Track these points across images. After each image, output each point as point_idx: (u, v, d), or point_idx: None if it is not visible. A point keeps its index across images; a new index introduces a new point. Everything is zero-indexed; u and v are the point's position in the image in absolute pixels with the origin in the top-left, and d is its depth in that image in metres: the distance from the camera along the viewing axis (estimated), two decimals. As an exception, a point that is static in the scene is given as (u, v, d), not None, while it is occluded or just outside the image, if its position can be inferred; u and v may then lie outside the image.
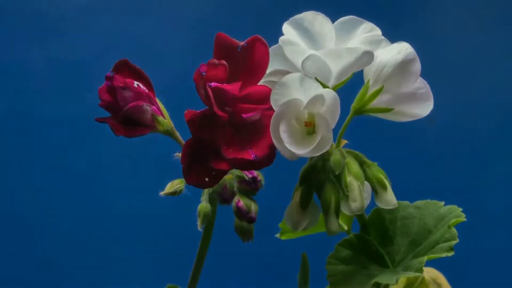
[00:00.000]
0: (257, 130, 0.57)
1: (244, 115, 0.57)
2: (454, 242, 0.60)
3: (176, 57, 1.27)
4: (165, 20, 1.43)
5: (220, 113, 0.56)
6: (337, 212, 0.58)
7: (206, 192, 0.66)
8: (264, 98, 0.57)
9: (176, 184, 0.64)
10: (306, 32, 0.58)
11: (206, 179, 0.57)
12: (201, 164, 0.57)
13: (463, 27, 1.41)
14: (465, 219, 0.61)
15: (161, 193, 0.64)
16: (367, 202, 0.59)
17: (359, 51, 0.55)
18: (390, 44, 0.59)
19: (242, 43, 0.59)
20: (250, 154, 0.56)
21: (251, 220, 0.64)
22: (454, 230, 0.60)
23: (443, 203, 0.65)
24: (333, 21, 0.60)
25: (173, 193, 0.64)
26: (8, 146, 1.42)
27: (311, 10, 0.60)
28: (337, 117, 0.54)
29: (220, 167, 0.56)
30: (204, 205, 0.65)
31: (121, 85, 0.60)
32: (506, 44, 1.41)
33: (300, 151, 0.54)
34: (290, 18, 0.59)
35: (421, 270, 0.58)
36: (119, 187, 1.40)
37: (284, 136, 0.54)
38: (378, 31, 0.58)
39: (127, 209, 1.39)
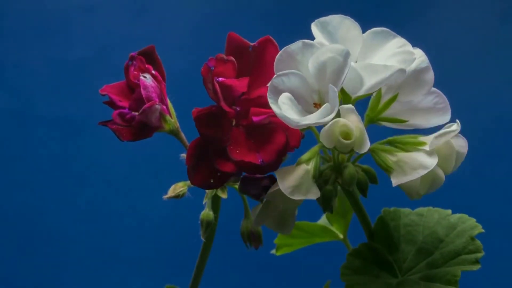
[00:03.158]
0: (266, 134, 0.56)
1: (254, 119, 0.56)
2: (480, 255, 0.58)
3: (178, 57, 1.26)
4: (166, 19, 1.43)
5: (227, 108, 0.55)
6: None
7: (209, 197, 0.64)
8: None
9: (179, 188, 0.63)
10: (330, 36, 0.56)
11: (211, 181, 0.56)
12: (206, 165, 0.56)
13: (464, 27, 1.40)
14: (483, 230, 0.60)
15: (164, 197, 0.63)
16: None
17: (394, 69, 0.53)
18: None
19: (253, 44, 0.58)
20: (257, 158, 0.55)
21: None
22: (478, 242, 0.59)
23: (450, 211, 0.63)
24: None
25: (176, 197, 0.63)
26: (8, 145, 1.41)
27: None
28: (343, 75, 0.52)
29: (225, 169, 0.55)
30: (206, 212, 0.64)
31: (141, 71, 0.59)
32: (504, 43, 1.40)
33: (305, 121, 0.52)
34: (316, 20, 0.57)
35: (456, 284, 0.57)
36: (119, 186, 1.39)
37: (284, 107, 0.52)
38: (409, 47, 0.56)
39: (127, 209, 1.38)
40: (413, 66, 0.56)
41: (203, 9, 1.44)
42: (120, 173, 1.40)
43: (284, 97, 0.52)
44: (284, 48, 0.54)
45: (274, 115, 0.56)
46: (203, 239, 0.64)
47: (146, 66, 0.60)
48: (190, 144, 0.56)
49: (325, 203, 0.57)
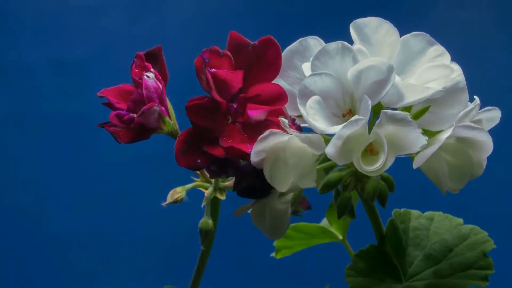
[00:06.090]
0: (260, 130, 0.55)
1: (250, 112, 0.55)
2: (490, 272, 0.57)
3: (179, 58, 1.24)
4: (166, 20, 1.43)
5: (218, 98, 0.55)
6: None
7: (208, 199, 0.63)
8: (275, 97, 0.55)
9: (177, 193, 0.62)
10: (366, 38, 0.54)
11: (198, 161, 0.55)
12: (195, 150, 0.55)
13: (463, 28, 1.39)
14: (494, 246, 0.58)
15: (164, 204, 0.62)
16: None
17: (435, 90, 0.52)
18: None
19: (254, 42, 0.57)
20: (248, 148, 0.54)
21: None
22: (490, 260, 0.58)
23: (461, 220, 0.61)
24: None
25: (175, 202, 0.62)
26: (9, 144, 1.40)
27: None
28: (385, 91, 0.50)
29: (213, 152, 0.54)
30: (205, 221, 0.63)
31: (141, 69, 0.58)
32: (503, 43, 1.39)
33: (330, 131, 0.49)
34: (354, 21, 0.55)
35: None
36: (119, 186, 1.39)
37: (312, 112, 0.50)
38: (447, 58, 0.54)
39: (127, 209, 1.38)
40: (449, 84, 0.54)
41: (204, 10, 1.43)
42: (120, 172, 1.39)
43: (313, 101, 0.51)
44: (323, 46, 0.52)
45: (270, 112, 0.55)
46: (203, 248, 0.63)
47: (146, 64, 0.59)
48: (182, 132, 0.56)
49: (341, 210, 0.55)
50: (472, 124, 0.52)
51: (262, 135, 0.53)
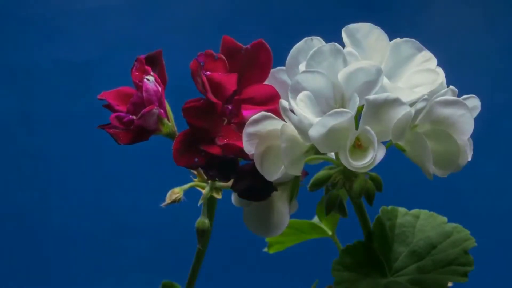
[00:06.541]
0: None
1: (244, 113, 0.56)
2: (470, 269, 0.58)
3: (178, 60, 1.25)
4: (170, 22, 1.42)
5: (214, 100, 0.56)
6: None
7: (204, 198, 0.64)
8: (268, 98, 0.57)
9: (175, 194, 0.63)
10: (358, 43, 0.55)
11: (196, 159, 0.56)
12: (193, 150, 0.56)
13: (460, 29, 1.40)
14: (475, 244, 0.60)
15: (163, 205, 0.63)
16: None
17: (420, 94, 0.52)
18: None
19: (246, 46, 0.59)
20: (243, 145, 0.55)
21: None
22: (470, 257, 0.59)
23: (445, 218, 0.63)
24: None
25: (173, 202, 0.63)
26: (16, 146, 1.41)
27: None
28: (373, 92, 0.50)
29: (210, 151, 0.56)
30: (202, 221, 0.63)
31: (141, 72, 0.59)
32: (488, 46, 1.40)
33: (316, 120, 0.50)
34: (346, 26, 0.56)
35: None
36: (120, 184, 1.39)
37: (301, 105, 0.51)
38: (434, 63, 0.55)
39: (128, 206, 1.38)
40: (435, 89, 0.54)
41: (204, 14, 1.43)
42: (120, 171, 1.39)
43: (304, 95, 0.51)
44: (318, 47, 0.53)
45: (265, 112, 0.55)
46: (200, 247, 0.64)
47: (146, 67, 0.60)
48: (180, 133, 0.57)
49: (329, 207, 0.56)
50: (449, 97, 0.53)
51: (254, 117, 0.54)
